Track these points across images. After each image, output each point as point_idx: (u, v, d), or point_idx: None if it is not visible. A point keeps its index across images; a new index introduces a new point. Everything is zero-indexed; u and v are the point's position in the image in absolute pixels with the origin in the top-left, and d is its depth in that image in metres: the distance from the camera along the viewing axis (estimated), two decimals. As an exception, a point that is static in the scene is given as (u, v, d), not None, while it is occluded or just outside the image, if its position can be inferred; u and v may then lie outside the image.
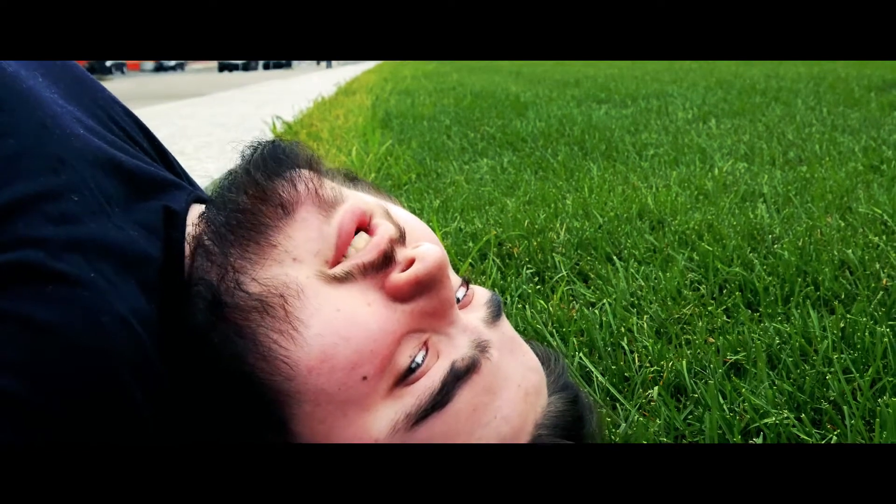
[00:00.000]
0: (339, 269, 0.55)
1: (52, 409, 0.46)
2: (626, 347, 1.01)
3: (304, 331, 0.52)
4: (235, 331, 0.53)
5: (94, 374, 0.48)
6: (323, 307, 0.53)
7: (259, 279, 0.53)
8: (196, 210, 0.64)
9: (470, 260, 1.41)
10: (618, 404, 0.88)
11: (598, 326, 1.07)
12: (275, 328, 0.52)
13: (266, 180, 0.58)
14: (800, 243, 1.38)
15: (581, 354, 0.98)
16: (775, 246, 1.40)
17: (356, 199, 0.59)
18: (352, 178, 0.66)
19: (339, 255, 0.56)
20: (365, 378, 0.53)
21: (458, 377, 0.55)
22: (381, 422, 0.53)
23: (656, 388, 0.89)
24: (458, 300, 0.61)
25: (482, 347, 0.57)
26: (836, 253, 1.32)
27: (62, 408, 0.47)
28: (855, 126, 3.03)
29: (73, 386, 0.47)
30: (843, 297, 1.15)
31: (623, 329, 1.06)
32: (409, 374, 0.54)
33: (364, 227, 0.58)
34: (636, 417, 0.83)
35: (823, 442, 0.78)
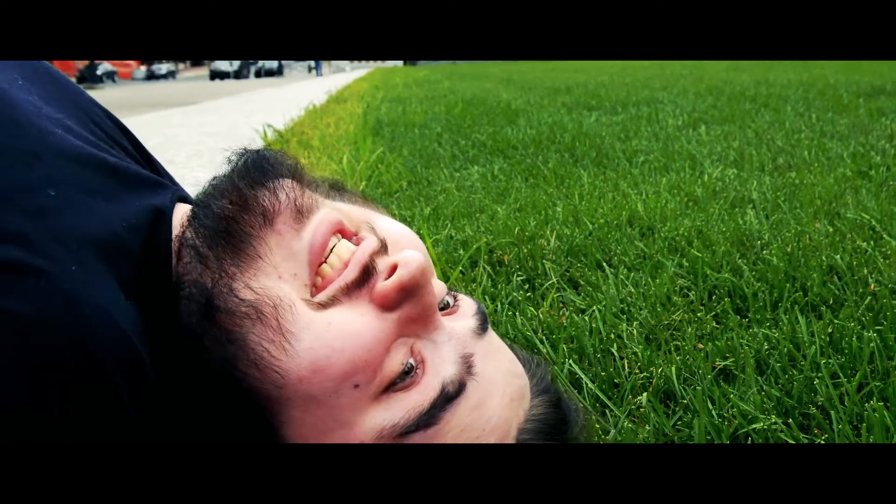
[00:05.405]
0: (322, 297, 0.55)
1: (36, 400, 0.46)
2: (615, 354, 1.01)
3: (296, 343, 0.52)
4: (227, 336, 0.53)
5: (76, 365, 0.48)
6: (314, 322, 0.53)
7: (252, 287, 0.54)
8: (181, 209, 0.64)
9: (461, 267, 1.41)
10: (607, 410, 0.88)
11: (587, 333, 1.07)
12: (266, 337, 0.52)
13: (248, 189, 0.58)
14: (788, 249, 1.39)
15: (571, 361, 0.98)
16: (764, 252, 1.41)
17: (329, 211, 0.59)
18: (338, 188, 0.66)
19: (314, 273, 0.56)
20: (357, 386, 0.53)
21: (447, 400, 0.55)
22: (367, 424, 0.54)
23: (645, 394, 0.89)
24: (449, 305, 0.61)
25: (468, 365, 0.57)
26: (824, 258, 1.32)
27: (46, 398, 0.47)
28: (843, 132, 3.05)
29: (56, 376, 0.47)
30: (831, 302, 1.16)
31: (613, 335, 1.06)
32: (399, 380, 0.55)
33: (345, 235, 0.59)
34: (626, 423, 0.84)
35: (811, 447, 0.78)
